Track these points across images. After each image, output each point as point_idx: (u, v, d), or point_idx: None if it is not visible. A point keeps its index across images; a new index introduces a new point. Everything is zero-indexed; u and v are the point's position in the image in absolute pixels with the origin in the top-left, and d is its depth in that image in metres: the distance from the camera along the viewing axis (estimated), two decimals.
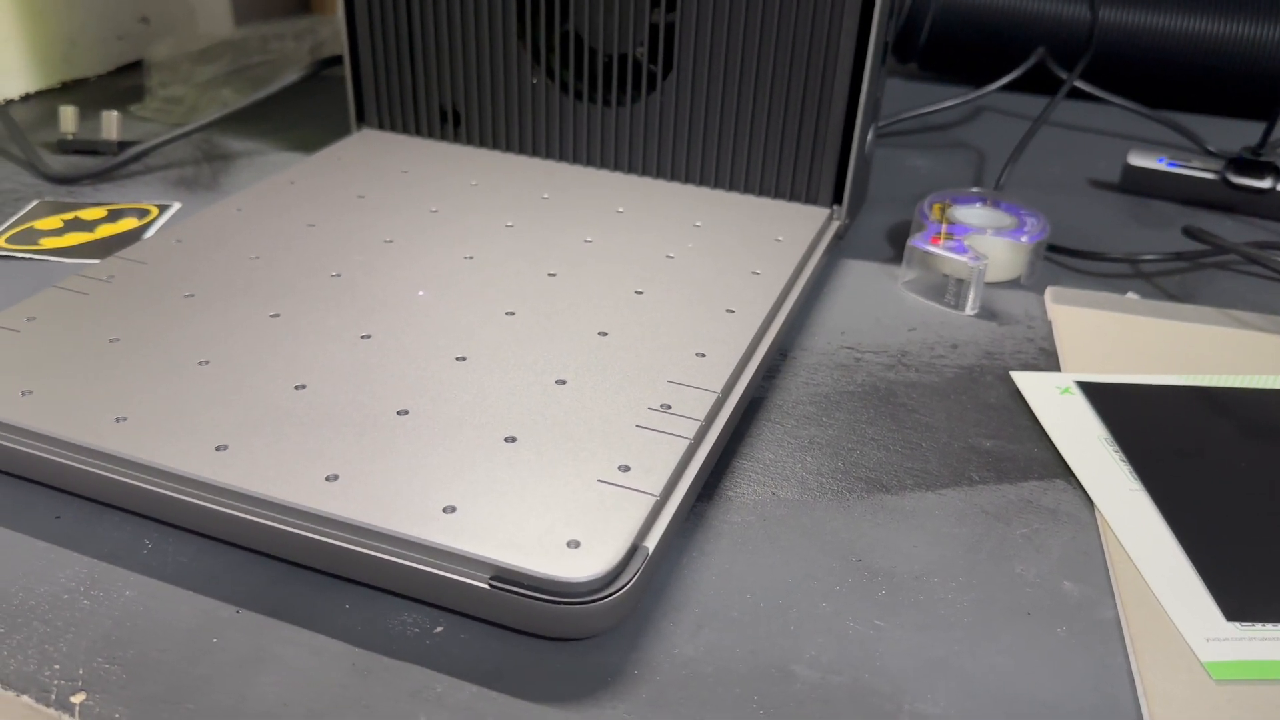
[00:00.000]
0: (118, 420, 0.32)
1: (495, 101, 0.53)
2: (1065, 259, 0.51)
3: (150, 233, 0.49)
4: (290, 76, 0.60)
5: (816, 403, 0.39)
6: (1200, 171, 0.57)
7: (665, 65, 0.50)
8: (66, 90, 0.68)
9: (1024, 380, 0.41)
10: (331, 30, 0.73)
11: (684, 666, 0.28)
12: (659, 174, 0.52)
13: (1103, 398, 0.39)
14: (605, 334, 0.38)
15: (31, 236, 0.48)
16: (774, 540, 0.32)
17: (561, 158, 0.53)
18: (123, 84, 0.69)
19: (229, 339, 0.37)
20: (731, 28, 0.48)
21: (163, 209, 0.52)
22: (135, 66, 0.72)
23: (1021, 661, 0.29)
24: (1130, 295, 0.47)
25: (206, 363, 0.35)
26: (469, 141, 0.55)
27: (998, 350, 0.43)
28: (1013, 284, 0.48)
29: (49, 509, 0.32)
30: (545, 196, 0.49)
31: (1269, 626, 0.30)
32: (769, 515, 0.34)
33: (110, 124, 0.56)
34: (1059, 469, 0.36)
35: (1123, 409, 0.39)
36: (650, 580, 0.30)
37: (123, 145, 0.57)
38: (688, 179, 0.51)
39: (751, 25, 0.47)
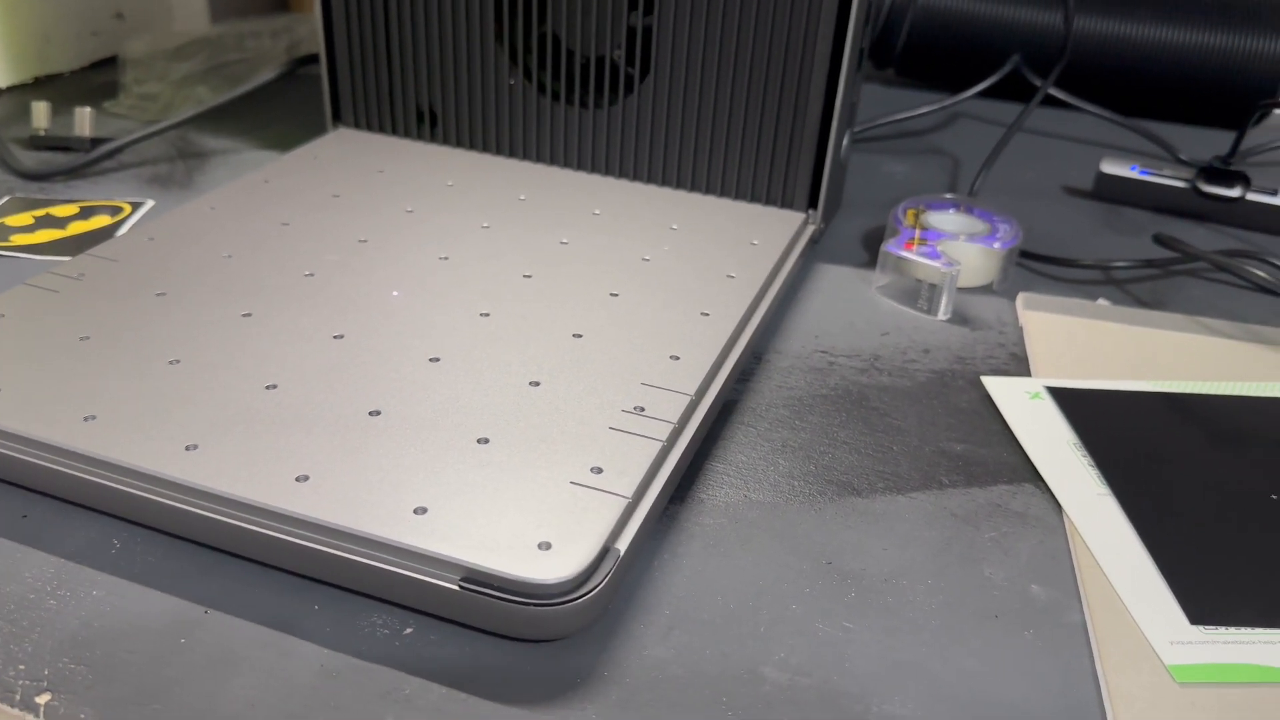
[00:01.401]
0: (87, 419, 0.32)
1: (472, 102, 0.53)
2: (1037, 265, 0.51)
3: (123, 230, 0.49)
4: (266, 74, 0.60)
5: (790, 406, 0.40)
6: (1171, 180, 0.57)
7: (643, 68, 0.50)
8: (40, 85, 0.68)
9: (994, 385, 0.41)
10: (309, 28, 0.73)
11: (654, 668, 0.28)
12: (636, 176, 0.52)
13: (1072, 403, 0.40)
14: (580, 336, 0.38)
15: (2, 233, 0.48)
16: (746, 543, 0.33)
17: (538, 159, 0.53)
18: (97, 80, 0.69)
19: (200, 338, 0.36)
20: (709, 32, 0.48)
21: (136, 206, 0.51)
22: (110, 62, 0.72)
23: (989, 664, 0.29)
24: (1101, 301, 0.47)
25: (177, 361, 0.35)
26: (445, 141, 0.55)
27: (969, 355, 0.43)
28: (985, 289, 0.49)
29: (16, 508, 0.32)
30: (522, 198, 0.49)
31: (1231, 630, 0.30)
32: (741, 518, 0.34)
33: (83, 120, 0.56)
34: (1028, 473, 0.36)
35: (1091, 414, 0.39)
36: (621, 582, 0.30)
37: (95, 142, 0.56)
38: (664, 182, 0.52)
39: (729, 30, 0.47)
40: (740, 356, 0.39)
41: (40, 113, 0.57)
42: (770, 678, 0.28)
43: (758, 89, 0.48)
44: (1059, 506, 0.35)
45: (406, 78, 0.54)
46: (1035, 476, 0.36)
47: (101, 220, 0.50)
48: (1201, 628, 0.30)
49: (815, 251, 0.52)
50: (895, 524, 0.34)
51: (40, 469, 0.31)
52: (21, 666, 0.27)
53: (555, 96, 0.52)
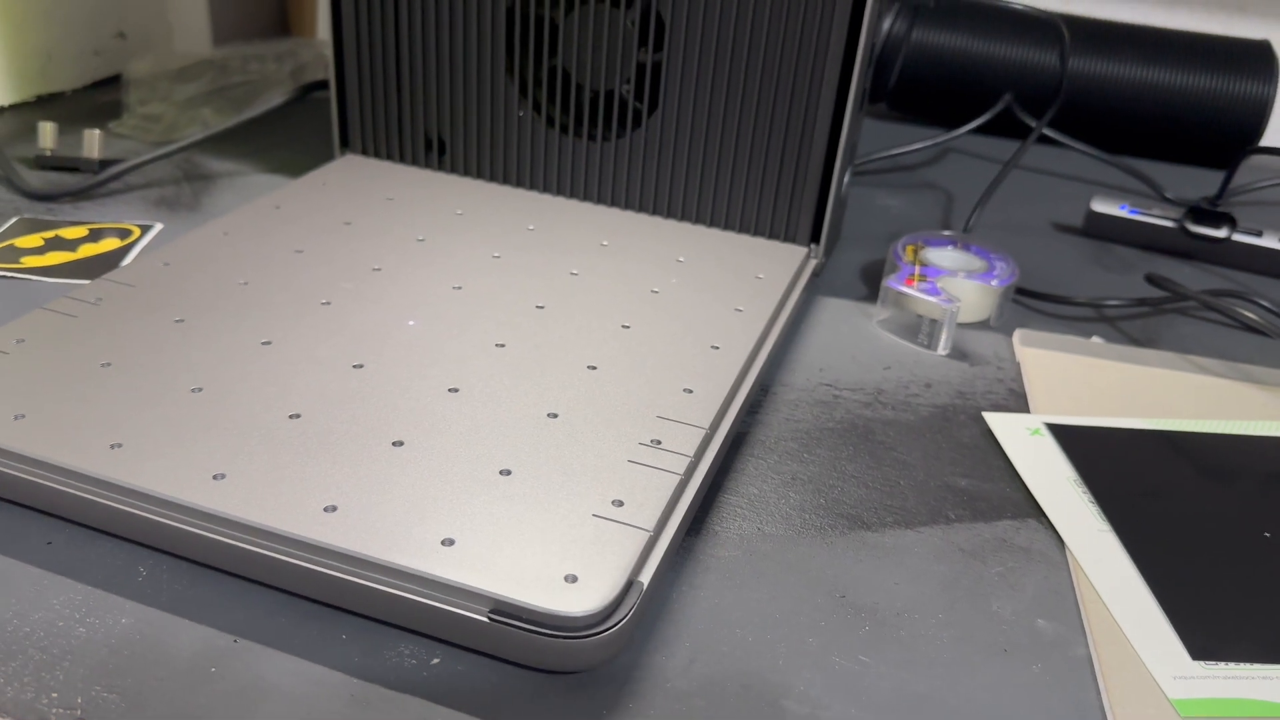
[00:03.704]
0: (113, 446, 0.32)
1: (481, 132, 0.54)
2: (1032, 302, 0.53)
3: (133, 254, 0.49)
4: (275, 99, 0.61)
5: (798, 439, 0.40)
6: (1160, 219, 0.59)
7: (651, 103, 0.51)
8: (41, 104, 0.68)
9: (996, 421, 0.42)
10: (313, 53, 0.73)
11: (678, 700, 0.29)
12: (642, 208, 0.53)
13: (1071, 440, 0.41)
14: (594, 368, 0.39)
15: (13, 255, 0.48)
16: (760, 575, 0.33)
17: (546, 189, 0.54)
18: (99, 99, 0.69)
19: (221, 365, 0.37)
20: (717, 70, 0.49)
21: (145, 229, 0.52)
22: (111, 82, 0.72)
23: (1000, 697, 0.30)
24: (1095, 339, 0.49)
25: (200, 389, 0.35)
26: (453, 170, 0.55)
27: (969, 390, 0.44)
28: (982, 325, 0.50)
29: (40, 534, 0.32)
30: (531, 228, 0.50)
31: (1232, 665, 0.31)
32: (755, 550, 0.34)
33: (92, 142, 0.56)
34: (1031, 509, 0.37)
35: (1090, 451, 0.40)
36: (644, 615, 0.31)
37: (104, 164, 0.57)
38: (670, 214, 0.53)
39: (736, 68, 0.49)
40: (750, 390, 0.40)
41: (47, 133, 0.57)
42: (792, 710, 0.29)
43: (764, 126, 0.49)
44: (1062, 542, 0.36)
45: (416, 106, 0.54)
46: (1038, 512, 0.37)
47: (111, 243, 0.50)
48: (1203, 663, 0.31)
49: (816, 284, 0.53)
50: (905, 558, 0.35)
51: (67, 496, 0.32)
52: (55, 694, 0.27)
53: (564, 129, 0.53)
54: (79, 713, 0.27)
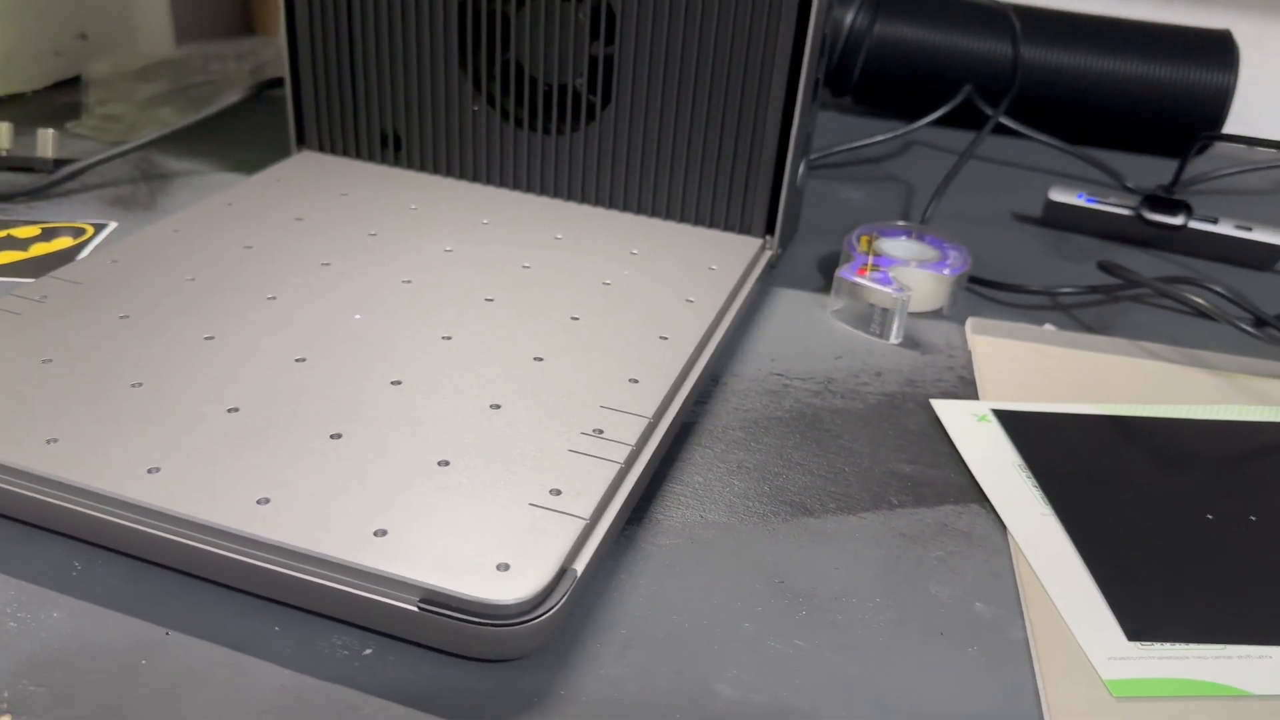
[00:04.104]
0: (49, 442, 0.32)
1: (436, 126, 0.54)
2: (987, 290, 0.53)
3: (86, 252, 0.49)
4: (231, 97, 0.60)
5: (746, 428, 0.41)
6: (1117, 208, 0.59)
7: (604, 96, 0.51)
8: (2, 105, 0.67)
9: (943, 408, 0.42)
10: (273, 51, 0.73)
11: (610, 686, 0.29)
12: (597, 201, 0.53)
13: (1017, 425, 0.41)
14: (541, 359, 0.39)
15: None
16: (701, 562, 0.33)
17: (501, 183, 0.54)
18: (60, 100, 0.69)
19: (163, 361, 0.37)
20: (669, 62, 0.49)
21: (99, 228, 0.51)
22: (73, 82, 0.72)
23: (934, 679, 0.30)
24: (1048, 326, 0.49)
25: (140, 384, 0.35)
26: (409, 165, 0.55)
27: (919, 378, 0.44)
28: (935, 314, 0.50)
29: None
30: (485, 222, 0.50)
31: (1167, 646, 0.31)
32: (697, 538, 0.35)
33: (46, 142, 0.56)
34: (974, 494, 0.38)
35: (1036, 436, 0.41)
36: (578, 602, 0.31)
37: (59, 163, 0.56)
38: (625, 207, 0.53)
39: (688, 60, 0.49)
40: (698, 379, 0.40)
41: (2, 133, 0.57)
42: (723, 694, 0.29)
43: (716, 118, 0.49)
44: (1004, 526, 0.36)
45: (371, 102, 0.54)
46: (981, 497, 0.37)
47: (64, 242, 0.50)
48: (1138, 644, 0.31)
49: (772, 276, 0.53)
50: (845, 543, 0.35)
51: (1, 492, 0.31)
52: None
53: (518, 123, 0.53)
54: (5, 706, 0.26)
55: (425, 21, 0.52)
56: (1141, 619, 0.32)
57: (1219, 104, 0.70)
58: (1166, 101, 0.71)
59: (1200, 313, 0.52)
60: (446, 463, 0.33)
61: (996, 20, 0.72)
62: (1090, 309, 0.52)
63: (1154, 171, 0.71)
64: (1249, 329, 0.46)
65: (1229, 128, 0.76)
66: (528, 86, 0.52)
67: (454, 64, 0.52)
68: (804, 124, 0.49)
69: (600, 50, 0.50)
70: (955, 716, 0.29)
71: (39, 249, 0.49)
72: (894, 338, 0.47)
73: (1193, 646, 0.32)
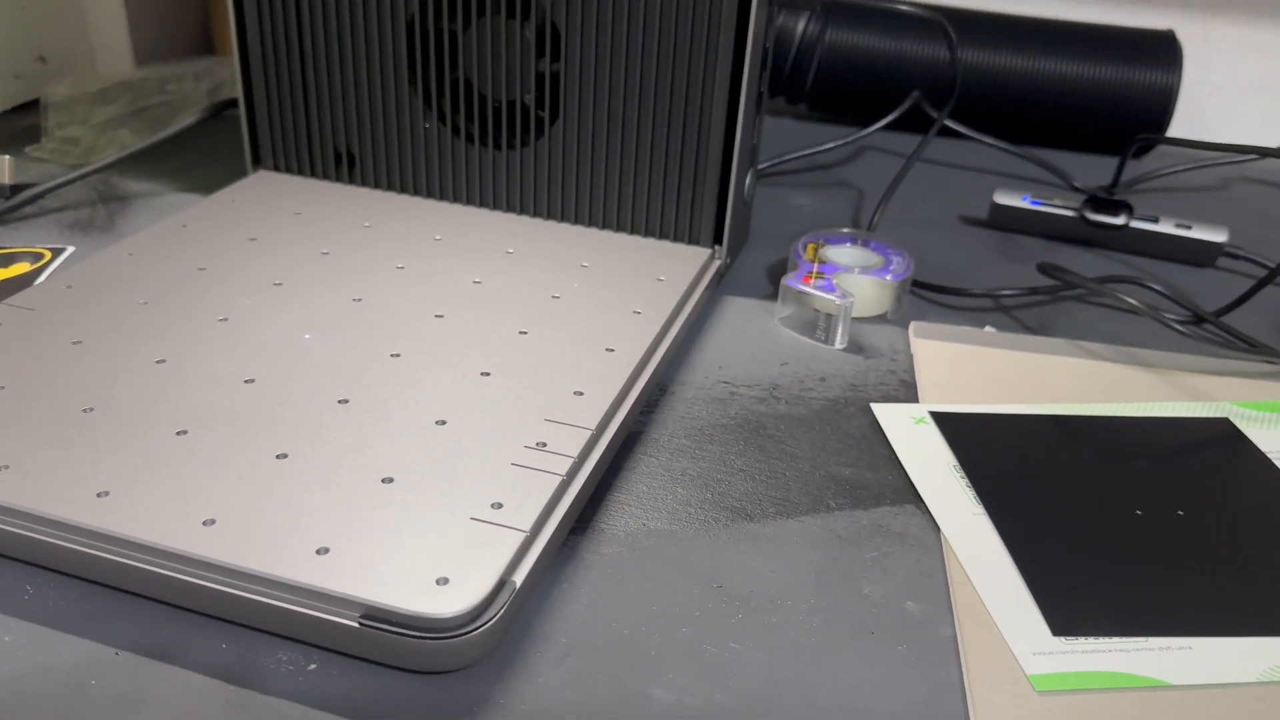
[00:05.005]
0: (1, 469, 0.33)
1: (389, 144, 0.55)
2: (931, 294, 0.54)
3: (43, 277, 0.50)
4: (189, 118, 0.61)
5: (691, 436, 0.42)
6: (1060, 209, 0.60)
7: (552, 111, 0.52)
8: None
9: (882, 411, 0.43)
10: (230, 71, 0.74)
11: (549, 694, 0.30)
12: (549, 215, 0.54)
13: (953, 427, 0.42)
14: (488, 374, 0.40)
15: None
16: (642, 570, 0.34)
17: (454, 199, 0.55)
18: (19, 123, 0.69)
19: (114, 385, 0.38)
20: (614, 77, 0.50)
21: (56, 253, 0.52)
22: (32, 106, 0.72)
23: (862, 678, 0.31)
24: (988, 329, 0.50)
25: (91, 409, 0.36)
26: (364, 183, 0.56)
27: (862, 383, 0.46)
28: (880, 319, 0.51)
29: None
30: (437, 238, 0.51)
31: (1090, 640, 0.33)
32: (639, 546, 0.36)
33: (2, 168, 0.56)
34: (910, 495, 0.39)
35: (972, 437, 0.42)
36: (518, 613, 0.32)
37: (16, 189, 0.57)
38: (576, 220, 0.54)
39: (632, 75, 0.50)
40: (644, 390, 0.41)
41: None
42: (658, 698, 0.30)
43: (661, 131, 0.50)
44: (937, 526, 0.37)
45: (324, 121, 0.55)
46: (917, 498, 0.39)
47: (21, 267, 0.50)
48: (1063, 638, 0.33)
49: (722, 284, 0.54)
50: (783, 547, 0.36)
51: None
52: None
53: (469, 139, 0.54)
54: None
55: (375, 41, 0.52)
56: (1066, 614, 0.34)
57: (1163, 104, 0.71)
58: (1112, 102, 0.72)
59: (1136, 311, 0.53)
60: (390, 479, 0.34)
61: (940, 26, 0.73)
62: (1032, 310, 0.53)
63: (1102, 171, 0.73)
64: (1178, 327, 0.48)
65: (1175, 126, 0.78)
66: (477, 103, 0.53)
67: (404, 82, 0.53)
68: (748, 134, 0.50)
69: (547, 67, 0.51)
70: (882, 714, 0.30)
71: None
72: (839, 343, 0.48)
73: (1115, 640, 0.33)
